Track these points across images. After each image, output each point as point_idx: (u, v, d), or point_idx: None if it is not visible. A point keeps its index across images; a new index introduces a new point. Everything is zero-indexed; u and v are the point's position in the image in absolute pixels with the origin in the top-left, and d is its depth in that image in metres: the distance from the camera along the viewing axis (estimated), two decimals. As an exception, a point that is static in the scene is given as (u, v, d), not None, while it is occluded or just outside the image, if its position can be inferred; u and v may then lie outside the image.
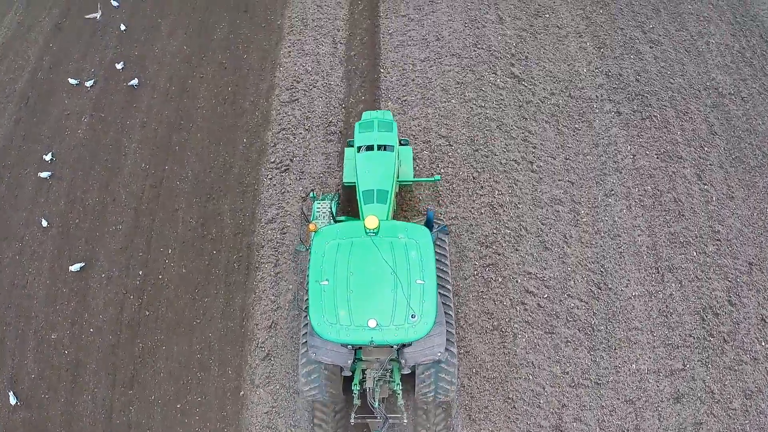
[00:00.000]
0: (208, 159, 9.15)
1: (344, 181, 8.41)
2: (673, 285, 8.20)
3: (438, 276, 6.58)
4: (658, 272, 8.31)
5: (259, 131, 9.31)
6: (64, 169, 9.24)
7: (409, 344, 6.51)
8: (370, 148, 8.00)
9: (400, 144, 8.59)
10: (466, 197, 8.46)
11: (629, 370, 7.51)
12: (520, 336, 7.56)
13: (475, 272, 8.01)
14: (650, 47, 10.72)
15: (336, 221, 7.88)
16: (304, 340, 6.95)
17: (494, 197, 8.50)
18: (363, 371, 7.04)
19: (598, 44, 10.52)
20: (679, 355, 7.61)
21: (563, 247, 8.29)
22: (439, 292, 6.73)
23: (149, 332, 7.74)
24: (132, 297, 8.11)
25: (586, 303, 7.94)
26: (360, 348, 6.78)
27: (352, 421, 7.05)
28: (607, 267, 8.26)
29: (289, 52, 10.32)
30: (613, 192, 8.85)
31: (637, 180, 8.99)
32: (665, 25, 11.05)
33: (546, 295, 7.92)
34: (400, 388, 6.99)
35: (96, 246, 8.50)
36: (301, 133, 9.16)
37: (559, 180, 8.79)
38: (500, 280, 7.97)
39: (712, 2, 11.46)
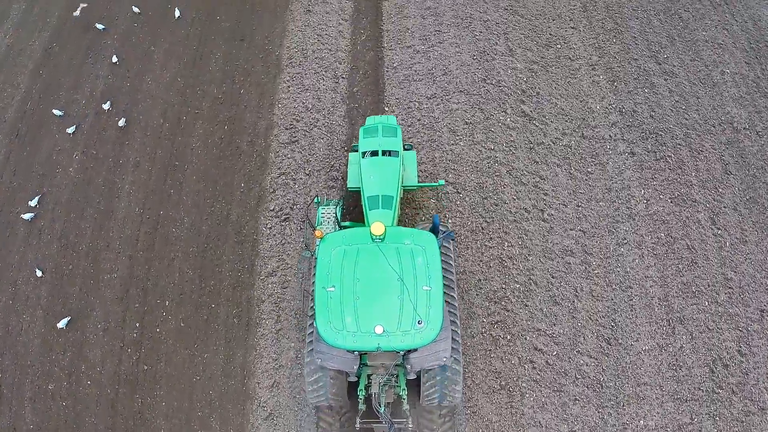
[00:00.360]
0: (204, 204, 8.80)
1: (348, 186, 8.40)
2: (684, 337, 8.02)
3: (443, 282, 6.73)
4: (669, 324, 8.12)
5: (257, 175, 8.93)
6: (56, 210, 8.91)
7: (415, 350, 6.49)
8: (374, 153, 8.00)
9: (404, 149, 8.57)
10: (474, 249, 8.18)
11: (637, 427, 7.40)
12: (527, 395, 7.40)
13: (483, 330, 7.79)
14: (665, 80, 10.27)
15: (341, 227, 7.89)
16: (310, 348, 6.91)
17: (503, 249, 8.22)
18: (368, 376, 7.08)
19: (612, 77, 10.09)
20: (687, 409, 7.49)
21: (573, 302, 8.05)
22: (445, 300, 6.71)
23: (148, 387, 7.57)
24: (129, 350, 7.88)
25: (596, 359, 7.76)
26: (365, 354, 6.76)
27: (357, 426, 7.04)
28: (618, 321, 8.05)
29: (288, 86, 9.84)
30: (625, 241, 8.57)
31: (650, 227, 8.71)
32: (680, 55, 10.60)
33: (555, 353, 7.72)
34: (406, 393, 7.03)
35: (91, 295, 8.24)
36: (301, 178, 8.78)
37: (570, 229, 8.50)
38: (509, 337, 7.76)
39: (726, 27, 11.00)
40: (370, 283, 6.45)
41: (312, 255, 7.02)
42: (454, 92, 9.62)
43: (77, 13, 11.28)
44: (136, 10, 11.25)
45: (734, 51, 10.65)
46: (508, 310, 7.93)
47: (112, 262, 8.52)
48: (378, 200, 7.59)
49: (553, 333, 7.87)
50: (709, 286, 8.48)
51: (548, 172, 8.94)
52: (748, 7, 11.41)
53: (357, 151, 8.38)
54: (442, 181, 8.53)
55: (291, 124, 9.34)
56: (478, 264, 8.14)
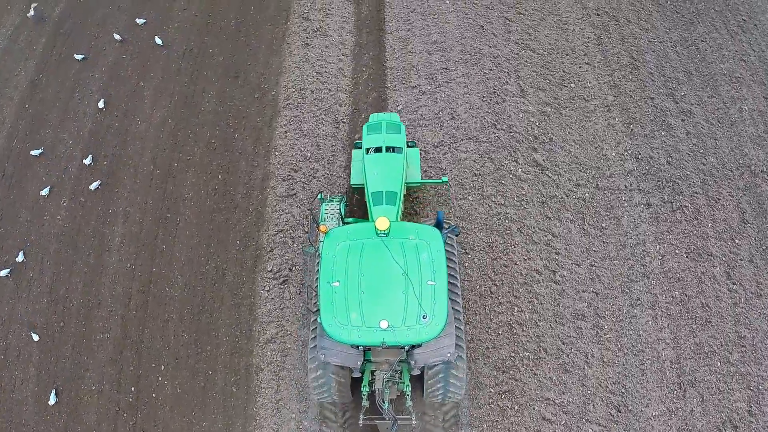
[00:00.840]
0: (198, 262, 8.37)
1: (352, 182, 8.36)
2: (695, 400, 7.77)
3: (447, 278, 6.63)
4: (680, 388, 7.86)
5: (253, 232, 8.47)
6: (45, 261, 8.49)
7: (419, 345, 6.44)
8: (378, 149, 7.97)
9: (408, 146, 8.49)
10: (482, 315, 7.83)
11: (646, 494, 7.22)
12: (535, 467, 7.18)
13: (491, 400, 7.51)
14: (682, 120, 9.75)
15: (345, 222, 7.78)
16: (314, 344, 6.82)
17: (513, 315, 7.87)
18: (372, 372, 6.95)
19: (628, 119, 9.55)
20: (697, 474, 7.29)
21: (584, 368, 7.75)
22: (449, 297, 6.76)
23: (146, 456, 7.30)
24: (126, 415, 7.60)
25: (605, 427, 7.52)
26: (369, 349, 6.69)
27: (360, 422, 6.91)
28: (629, 387, 7.77)
29: (286, 132, 9.27)
30: (639, 301, 8.22)
31: (665, 285, 8.35)
32: (697, 91, 10.08)
33: (563, 422, 7.48)
34: (409, 389, 6.92)
35: (84, 354, 7.93)
36: (300, 237, 8.32)
37: (583, 291, 8.14)
38: (516, 408, 7.48)
39: (744, 58, 10.48)
40: (375, 278, 6.34)
41: (316, 251, 6.91)
42: (462, 139, 9.11)
43: (31, 13, 10.68)
44: (117, 37, 10.61)
45: (752, 85, 10.17)
46: (516, 380, 7.64)
47: (104, 321, 8.16)
48: (382, 196, 7.49)
49: (562, 402, 7.61)
50: (722, 345, 8.19)
51: (561, 229, 8.53)
52: (765, 35, 10.86)
53: (360, 148, 8.30)
54: (446, 178, 8.41)
55: (289, 175, 8.81)
56: (486, 331, 7.81)
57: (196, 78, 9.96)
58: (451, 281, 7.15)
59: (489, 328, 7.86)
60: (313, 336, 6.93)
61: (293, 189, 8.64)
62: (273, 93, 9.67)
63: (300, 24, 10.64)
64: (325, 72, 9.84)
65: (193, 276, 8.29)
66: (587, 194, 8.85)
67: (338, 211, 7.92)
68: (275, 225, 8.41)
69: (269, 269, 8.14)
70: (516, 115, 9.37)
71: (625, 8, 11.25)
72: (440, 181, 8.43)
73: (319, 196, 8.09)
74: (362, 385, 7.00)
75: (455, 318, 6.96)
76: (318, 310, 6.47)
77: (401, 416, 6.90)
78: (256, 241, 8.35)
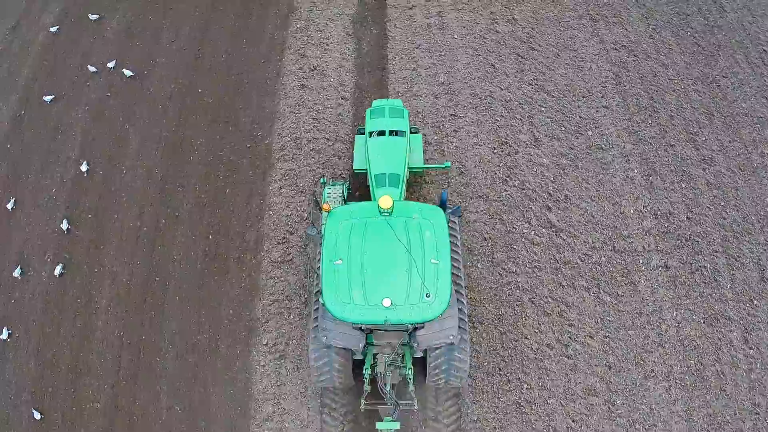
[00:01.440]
0: (189, 332, 7.85)
1: (354, 168, 8.33)
2: None
3: (450, 259, 6.61)
4: (692, 463, 7.55)
5: (246, 300, 7.92)
6: (29, 321, 7.97)
7: (422, 327, 6.38)
8: (381, 133, 7.95)
9: (411, 132, 8.52)
10: (490, 394, 7.42)
11: None
12: None
13: (498, 485, 7.16)
14: (703, 169, 9.16)
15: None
16: (315, 324, 6.74)
17: (522, 393, 7.45)
18: (374, 356, 6.87)
19: (647, 170, 8.94)
20: None
21: (595, 447, 7.39)
22: (452, 280, 6.66)
23: None
24: None
25: (616, 506, 7.21)
26: (371, 332, 6.62)
27: (362, 407, 6.85)
28: (640, 464, 7.44)
29: (280, 187, 8.62)
30: (653, 373, 7.82)
31: (680, 354, 7.94)
32: (718, 135, 9.50)
33: (574, 503, 7.15)
34: (412, 372, 6.86)
35: (76, 423, 7.45)
36: (297, 308, 7.78)
37: (595, 365, 7.71)
38: (525, 490, 7.15)
39: (765, 95, 9.86)
40: (378, 256, 6.24)
41: (318, 233, 6.82)
42: (471, 197, 8.51)
43: None
44: (92, 69, 9.87)
45: (774, 126, 9.59)
46: (525, 461, 7.36)
47: (94, 390, 7.71)
48: (385, 178, 7.45)
49: (572, 482, 7.32)
50: (735, 414, 7.84)
51: (575, 297, 8.05)
52: (789, 69, 10.18)
53: (363, 133, 8.26)
54: (449, 163, 8.41)
55: (284, 238, 8.21)
56: (494, 411, 7.41)
57: (185, 122, 9.25)
58: (454, 264, 7.00)
59: (496, 407, 7.46)
60: (315, 317, 6.80)
61: (289, 254, 8.07)
62: (266, 142, 8.99)
63: (296, 61, 9.89)
64: (323, 118, 9.13)
65: (184, 348, 7.79)
66: (603, 258, 8.34)
67: (341, 194, 7.80)
68: (270, 294, 7.87)
69: (264, 342, 7.65)
70: (530, 169, 8.76)
71: (644, 41, 10.54)
72: (443, 166, 8.31)
73: (321, 180, 7.99)
74: (364, 368, 6.89)
75: (458, 301, 6.80)
76: (320, 290, 6.33)
77: (403, 402, 6.75)
78: (250, 310, 7.83)
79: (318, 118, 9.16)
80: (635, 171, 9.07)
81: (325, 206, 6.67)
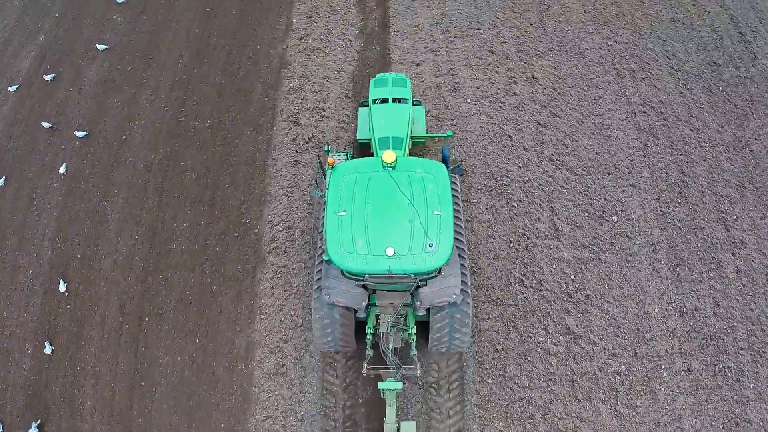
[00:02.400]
0: None
1: (358, 138, 8.51)
2: None
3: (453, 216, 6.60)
4: None
5: (238, 414, 7.19)
6: (12, 415, 7.22)
7: (424, 284, 6.41)
8: (384, 101, 8.09)
9: (414, 105, 8.68)
10: None
11: None
12: None
13: None
14: (732, 254, 8.46)
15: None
16: (318, 285, 6.74)
17: None
18: (377, 317, 6.80)
19: (674, 260, 8.16)
20: None
21: None
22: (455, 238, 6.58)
23: None
24: None
25: None
26: (374, 292, 6.65)
27: (364, 371, 6.70)
28: None
29: (272, 287, 7.67)
30: None
31: None
32: (750, 211, 8.75)
33: None
34: (415, 332, 6.76)
35: None
36: (293, 425, 7.10)
37: None
38: None
39: None
40: (382, 208, 6.30)
41: (322, 195, 6.87)
42: (484, 302, 7.70)
43: None
44: (45, 125, 8.92)
45: (808, 198, 8.87)
46: None
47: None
48: (388, 141, 7.57)
49: None
50: None
51: (591, 412, 7.43)
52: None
53: (366, 106, 8.45)
54: (451, 132, 8.61)
55: (277, 346, 7.41)
56: None
57: (166, 202, 8.29)
58: (456, 222, 7.04)
59: None
60: (317, 278, 6.80)
61: (283, 365, 7.29)
62: (256, 230, 8.02)
63: (288, 130, 8.79)
64: (318, 202, 8.15)
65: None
66: (623, 366, 7.67)
67: (344, 160, 7.73)
68: (264, 408, 7.16)
69: (258, 474, 7.25)
70: (548, 266, 7.94)
71: (674, 100, 9.53)
72: (445, 135, 8.54)
73: (325, 148, 7.88)
74: (367, 327, 6.78)
75: (461, 265, 6.75)
76: (323, 250, 6.36)
77: (406, 366, 6.59)
78: (243, 425, 7.13)
79: (312, 202, 8.19)
80: (662, 262, 8.30)
81: (330, 160, 6.76)
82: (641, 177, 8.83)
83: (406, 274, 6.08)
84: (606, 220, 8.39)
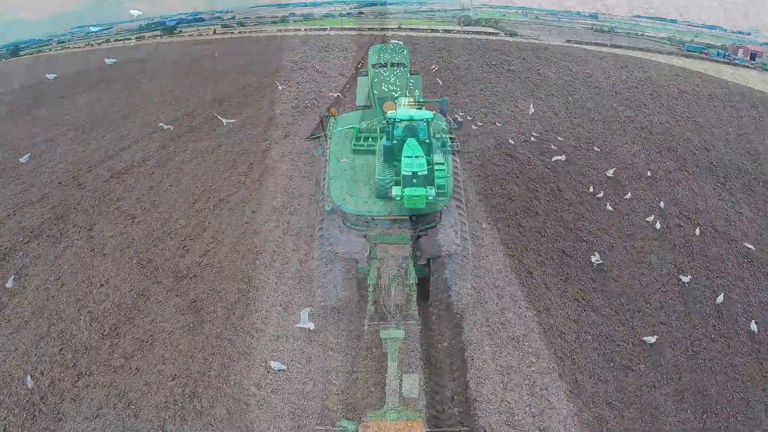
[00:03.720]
0: None
1: (358, 105, 8.89)
2: None
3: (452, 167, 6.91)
4: None
5: None
6: None
7: (425, 235, 6.62)
8: (383, 66, 8.49)
9: (411, 74, 9.07)
10: None
11: None
12: None
13: None
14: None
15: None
16: (320, 240, 6.96)
17: None
18: (378, 269, 7.08)
19: (702, 406, 6.76)
20: None
21: None
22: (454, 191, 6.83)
23: None
24: None
25: None
26: (375, 244, 6.90)
27: (365, 327, 6.91)
28: None
29: None
30: None
31: None
32: None
33: None
34: (416, 282, 6.88)
35: None
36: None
37: None
38: None
39: None
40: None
41: (323, 152, 6.96)
42: None
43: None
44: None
45: None
46: None
47: None
48: (387, 101, 7.66)
49: None
50: None
51: None
52: None
53: (366, 76, 8.81)
54: (446, 98, 9.48)
55: None
56: None
57: (155, 323, 6.96)
58: (455, 177, 7.20)
59: None
60: (319, 234, 6.96)
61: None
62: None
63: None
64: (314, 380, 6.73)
65: None
66: None
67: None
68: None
69: None
70: None
71: None
72: (440, 100, 9.15)
73: (326, 114, 8.23)
74: (368, 278, 6.98)
75: (460, 222, 6.86)
76: (325, 201, 6.44)
77: (406, 321, 6.69)
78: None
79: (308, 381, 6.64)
80: (689, 411, 6.93)
81: (332, 110, 7.13)
82: (672, 316, 7.20)
83: (406, 215, 5.97)
84: (632, 370, 6.66)
